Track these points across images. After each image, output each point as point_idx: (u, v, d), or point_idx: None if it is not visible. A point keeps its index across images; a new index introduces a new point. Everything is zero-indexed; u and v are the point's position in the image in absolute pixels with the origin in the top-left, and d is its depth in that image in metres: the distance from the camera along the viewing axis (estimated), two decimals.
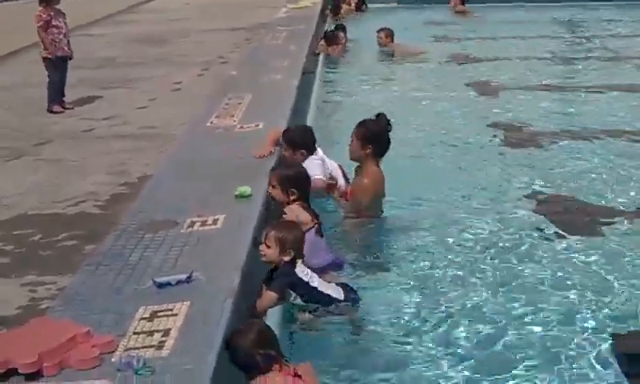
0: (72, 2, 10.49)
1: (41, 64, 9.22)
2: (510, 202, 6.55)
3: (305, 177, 5.44)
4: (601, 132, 8.60)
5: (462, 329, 4.55)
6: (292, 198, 5.27)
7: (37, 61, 9.31)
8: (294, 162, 5.85)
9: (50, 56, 9.02)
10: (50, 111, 8.93)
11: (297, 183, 5.30)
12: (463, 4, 18.97)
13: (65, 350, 3.51)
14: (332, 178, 6.30)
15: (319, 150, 6.35)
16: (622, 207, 6.48)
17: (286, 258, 4.50)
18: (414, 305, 4.84)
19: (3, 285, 4.72)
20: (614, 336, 4.41)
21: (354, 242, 5.84)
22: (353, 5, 18.94)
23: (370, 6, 19.42)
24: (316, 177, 5.86)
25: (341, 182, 6.40)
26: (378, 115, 6.16)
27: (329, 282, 4.70)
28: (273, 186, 5.37)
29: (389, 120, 6.11)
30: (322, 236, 5.23)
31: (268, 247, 4.51)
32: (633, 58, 13.11)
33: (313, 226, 5.12)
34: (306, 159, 6.05)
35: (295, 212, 5.14)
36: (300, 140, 6.26)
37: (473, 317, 4.68)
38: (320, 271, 4.87)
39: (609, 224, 6.11)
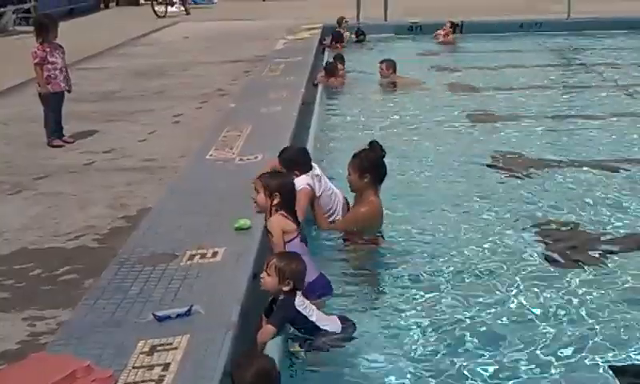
0: (72, 35, 10.57)
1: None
2: (508, 231, 6.54)
3: (290, 184, 5.30)
4: (601, 160, 8.63)
5: (458, 359, 4.53)
6: (275, 202, 5.10)
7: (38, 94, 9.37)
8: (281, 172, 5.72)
9: (45, 92, 9.07)
10: (51, 145, 8.97)
11: (280, 188, 5.15)
12: (454, 33, 18.84)
13: None
14: (329, 198, 6.39)
15: (316, 168, 6.41)
16: (621, 235, 6.48)
17: (285, 288, 4.49)
18: (412, 334, 4.83)
19: (3, 320, 4.73)
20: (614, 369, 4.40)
21: (350, 269, 5.83)
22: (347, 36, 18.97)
23: (366, 36, 19.53)
24: (302, 187, 5.87)
25: (339, 210, 6.47)
26: (371, 143, 6.24)
27: (327, 315, 4.68)
28: (257, 191, 5.20)
29: (382, 147, 6.17)
30: (306, 244, 5.18)
31: (268, 275, 4.51)
32: (631, 87, 13.17)
33: (297, 235, 5.09)
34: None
35: (278, 223, 5.05)
36: (295, 159, 6.28)
37: (470, 347, 4.67)
38: (309, 291, 4.84)
39: (609, 252, 6.11)
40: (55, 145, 8.98)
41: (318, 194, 6.29)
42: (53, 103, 9.12)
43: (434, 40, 18.68)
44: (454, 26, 18.81)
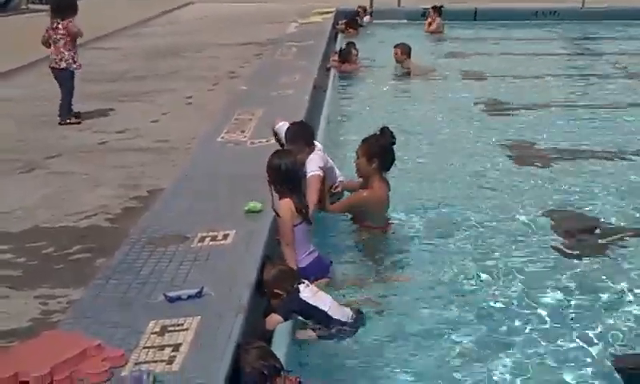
0: (85, 15, 10.54)
1: (51, 77, 9.28)
2: (520, 219, 6.54)
3: (297, 169, 5.21)
4: (613, 150, 8.60)
5: (463, 348, 4.54)
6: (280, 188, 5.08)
7: (49, 73, 9.37)
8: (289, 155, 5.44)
9: (75, 68, 9.14)
10: (63, 123, 8.99)
11: (281, 174, 5.07)
12: (440, 15, 18.29)
13: (76, 364, 3.54)
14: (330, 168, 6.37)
15: (316, 142, 6.31)
16: (633, 225, 6.47)
17: (282, 293, 4.52)
18: (420, 321, 4.85)
19: (15, 297, 4.76)
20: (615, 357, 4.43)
21: (357, 254, 5.87)
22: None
23: (379, 21, 19.47)
24: (314, 173, 5.80)
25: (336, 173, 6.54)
26: (382, 129, 6.20)
27: (341, 305, 4.67)
28: (269, 182, 5.14)
29: (392, 133, 6.15)
30: (309, 224, 5.13)
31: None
32: None
33: (302, 221, 5.06)
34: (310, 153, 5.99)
35: (288, 206, 5.00)
36: (301, 134, 6.09)
37: (479, 336, 4.69)
38: (309, 270, 4.90)
39: (620, 242, 6.10)
40: (68, 122, 8.99)
41: (326, 166, 6.24)
42: (72, 80, 9.15)
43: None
44: (436, 9, 18.18)
